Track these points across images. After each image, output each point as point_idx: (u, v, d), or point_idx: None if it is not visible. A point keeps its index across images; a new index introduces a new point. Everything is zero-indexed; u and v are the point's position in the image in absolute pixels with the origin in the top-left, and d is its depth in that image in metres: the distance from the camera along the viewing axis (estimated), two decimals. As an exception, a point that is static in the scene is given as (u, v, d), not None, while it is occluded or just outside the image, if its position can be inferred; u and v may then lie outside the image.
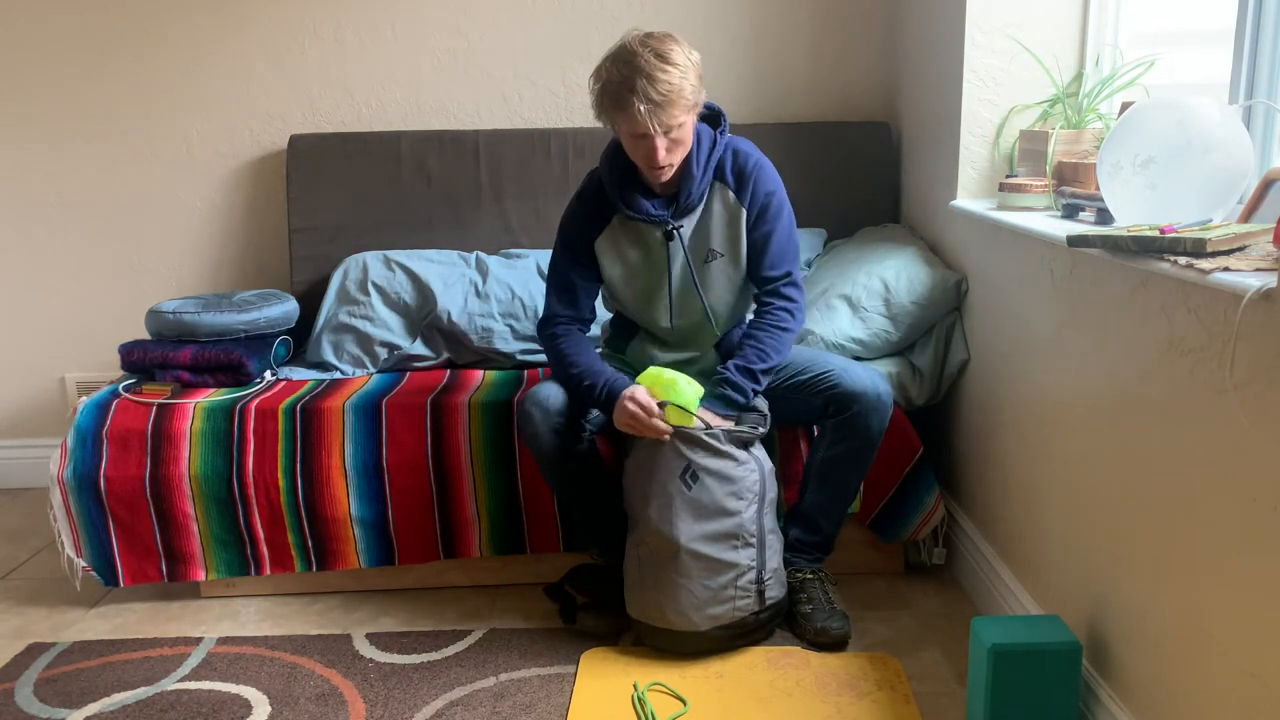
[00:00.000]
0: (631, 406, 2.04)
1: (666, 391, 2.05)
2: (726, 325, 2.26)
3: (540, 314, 2.31)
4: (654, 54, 1.98)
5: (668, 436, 2.04)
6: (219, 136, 3.10)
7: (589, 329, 2.28)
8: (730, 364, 2.13)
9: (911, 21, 2.85)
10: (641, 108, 1.96)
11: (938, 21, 2.58)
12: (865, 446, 2.16)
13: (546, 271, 2.29)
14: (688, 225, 2.18)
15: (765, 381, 2.14)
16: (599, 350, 2.37)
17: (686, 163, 2.12)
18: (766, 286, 2.20)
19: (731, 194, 2.18)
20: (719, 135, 2.17)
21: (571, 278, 2.23)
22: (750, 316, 2.28)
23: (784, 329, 2.16)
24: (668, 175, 2.11)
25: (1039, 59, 2.33)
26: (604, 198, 2.19)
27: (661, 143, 2.01)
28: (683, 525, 2.05)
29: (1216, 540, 1.39)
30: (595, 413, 2.22)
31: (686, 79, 1.99)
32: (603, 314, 2.39)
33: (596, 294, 2.29)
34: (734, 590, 2.08)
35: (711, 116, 2.19)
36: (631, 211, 2.15)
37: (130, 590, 2.53)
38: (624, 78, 1.98)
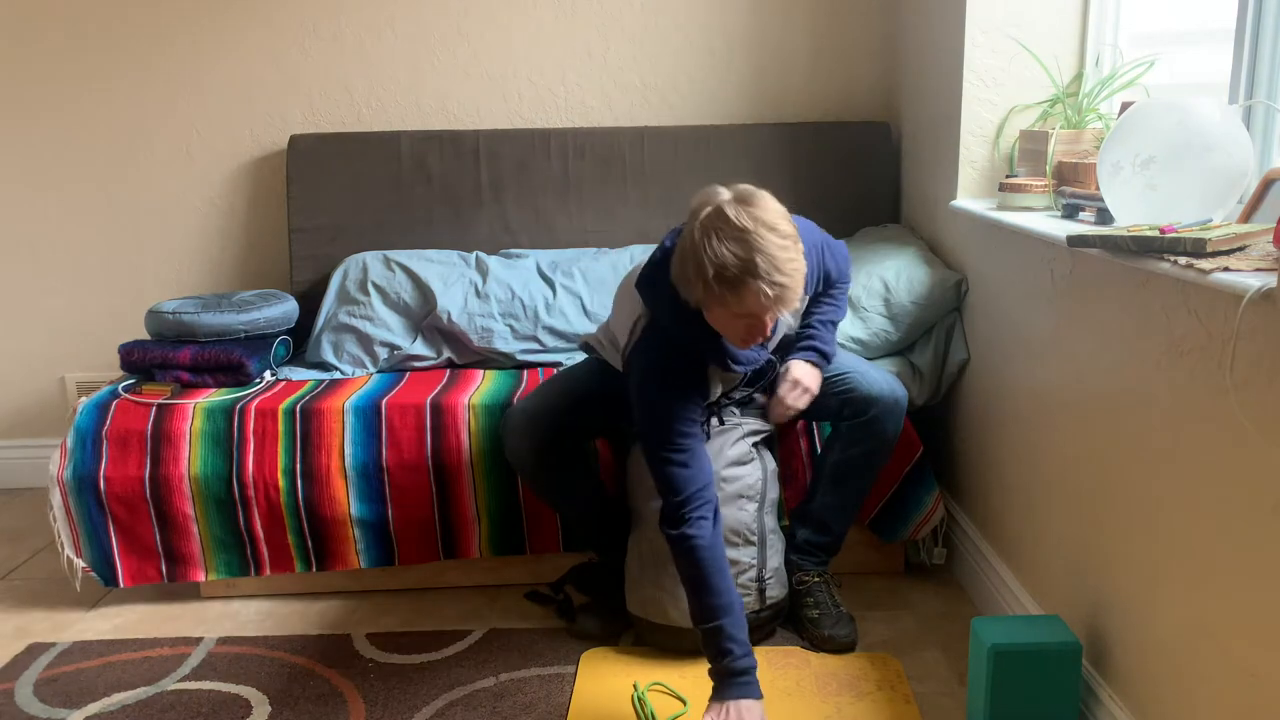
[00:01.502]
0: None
1: None
2: None
3: (662, 510, 1.93)
4: (766, 226, 1.68)
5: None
6: (219, 136, 3.10)
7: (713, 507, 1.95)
8: (814, 341, 2.12)
9: (911, 21, 2.85)
10: (768, 292, 1.67)
11: (938, 21, 2.58)
12: (881, 449, 2.17)
13: (649, 450, 1.92)
14: (765, 356, 2.06)
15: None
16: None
17: None
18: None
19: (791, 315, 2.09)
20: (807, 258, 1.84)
21: (691, 436, 1.89)
22: None
23: (838, 311, 2.19)
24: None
25: (1039, 59, 2.33)
26: (688, 350, 1.91)
27: (771, 319, 1.76)
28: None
29: (1217, 540, 1.39)
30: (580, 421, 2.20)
31: (799, 245, 1.72)
32: (599, 314, 2.39)
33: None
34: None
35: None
36: (738, 366, 1.94)
37: (130, 590, 2.52)
38: (740, 258, 1.66)
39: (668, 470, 1.87)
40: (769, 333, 1.79)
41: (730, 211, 1.69)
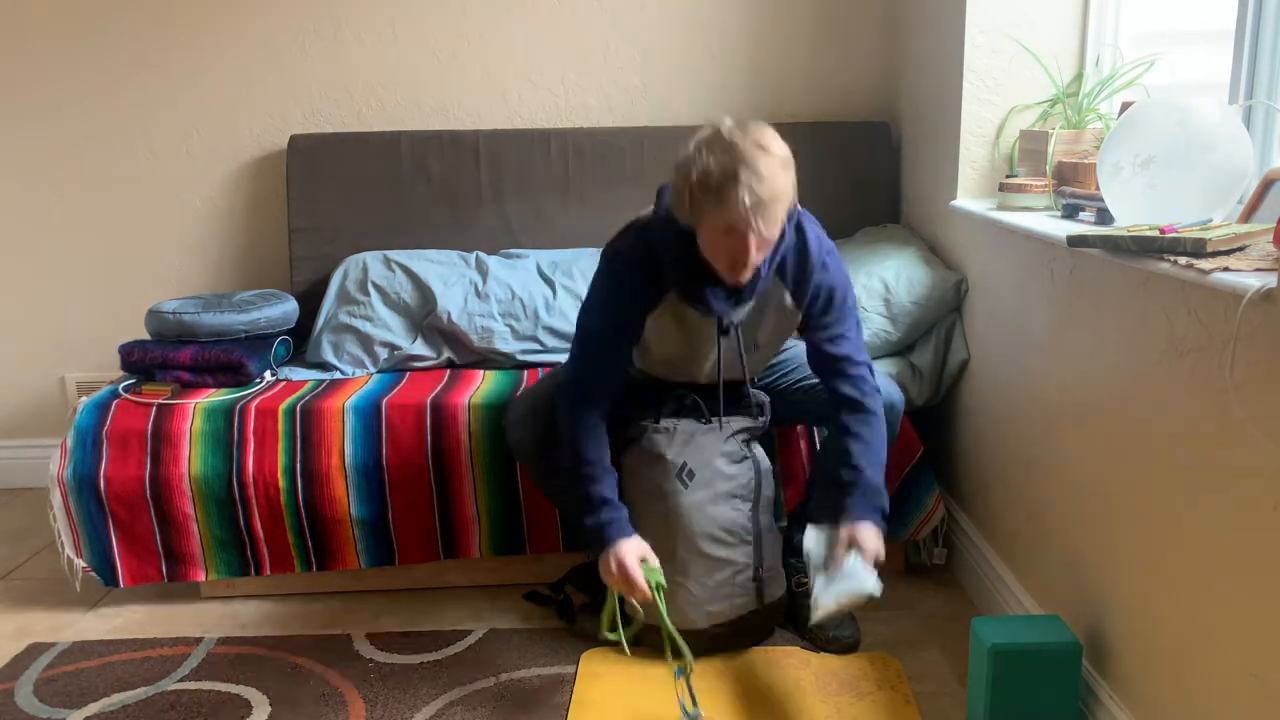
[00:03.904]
0: (615, 570, 1.89)
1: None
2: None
3: (565, 378, 2.07)
4: (754, 143, 1.79)
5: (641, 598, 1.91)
6: (219, 136, 3.10)
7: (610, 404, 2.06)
8: (858, 500, 1.94)
9: (911, 21, 2.85)
10: (746, 199, 1.75)
11: (938, 21, 2.58)
12: None
13: (579, 329, 2.06)
14: (739, 315, 2.01)
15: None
16: None
17: None
18: (837, 369, 2.03)
19: (789, 296, 2.01)
20: (788, 226, 1.95)
21: (614, 348, 2.02)
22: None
23: (872, 425, 2.01)
24: (749, 277, 1.89)
25: (1039, 59, 2.33)
26: (658, 272, 1.97)
27: (754, 241, 1.80)
28: (680, 524, 2.06)
29: (1216, 540, 1.39)
30: None
31: (788, 172, 1.83)
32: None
33: (630, 364, 2.12)
34: (732, 587, 2.09)
35: None
36: (697, 303, 1.95)
37: (130, 590, 2.52)
38: (725, 166, 1.76)
39: (590, 348, 2.03)
40: (749, 263, 1.83)
41: (724, 129, 1.81)
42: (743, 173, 1.75)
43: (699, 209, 1.82)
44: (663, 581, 1.90)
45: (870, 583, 1.84)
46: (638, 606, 1.96)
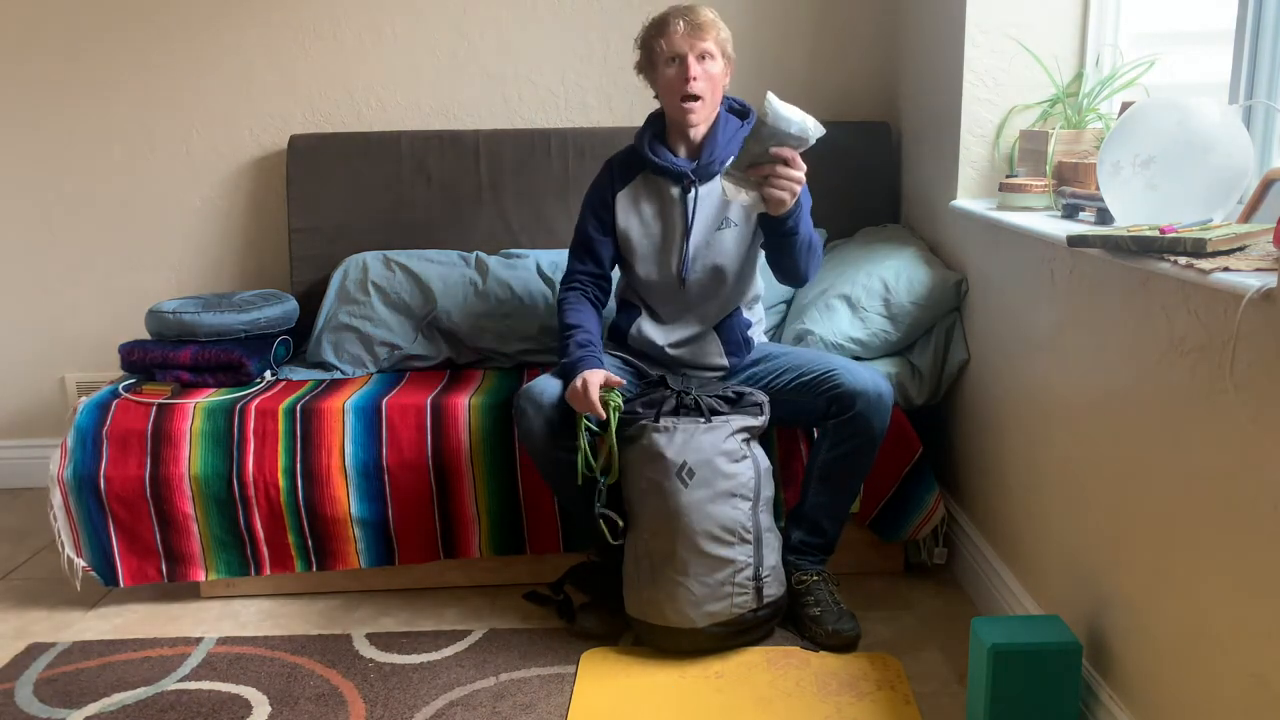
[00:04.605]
0: (578, 384, 2.10)
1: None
2: (735, 291, 2.31)
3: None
4: (691, 2, 2.27)
5: (597, 414, 2.10)
6: (219, 136, 3.10)
7: (608, 287, 2.38)
8: None
9: (911, 21, 2.85)
10: (680, 24, 2.19)
11: (938, 21, 2.58)
12: (867, 446, 2.17)
13: (577, 226, 2.39)
14: (708, 190, 2.28)
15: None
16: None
17: (714, 129, 2.27)
18: None
19: None
20: (745, 124, 2.33)
21: (589, 233, 2.35)
22: (759, 295, 2.41)
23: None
24: (698, 112, 2.22)
25: (1039, 59, 2.33)
26: (632, 159, 2.33)
27: (695, 67, 2.19)
28: (679, 523, 2.06)
29: (1217, 540, 1.39)
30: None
31: (720, 23, 2.25)
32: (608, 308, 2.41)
33: (614, 251, 2.36)
34: (731, 587, 2.09)
35: (741, 111, 2.35)
36: (657, 159, 2.27)
37: (130, 590, 2.53)
38: (664, 14, 2.23)
39: (573, 244, 2.39)
40: (695, 90, 2.19)
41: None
42: (678, 10, 2.22)
43: (649, 51, 2.25)
44: (620, 403, 2.12)
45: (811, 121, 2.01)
46: (600, 419, 2.12)
